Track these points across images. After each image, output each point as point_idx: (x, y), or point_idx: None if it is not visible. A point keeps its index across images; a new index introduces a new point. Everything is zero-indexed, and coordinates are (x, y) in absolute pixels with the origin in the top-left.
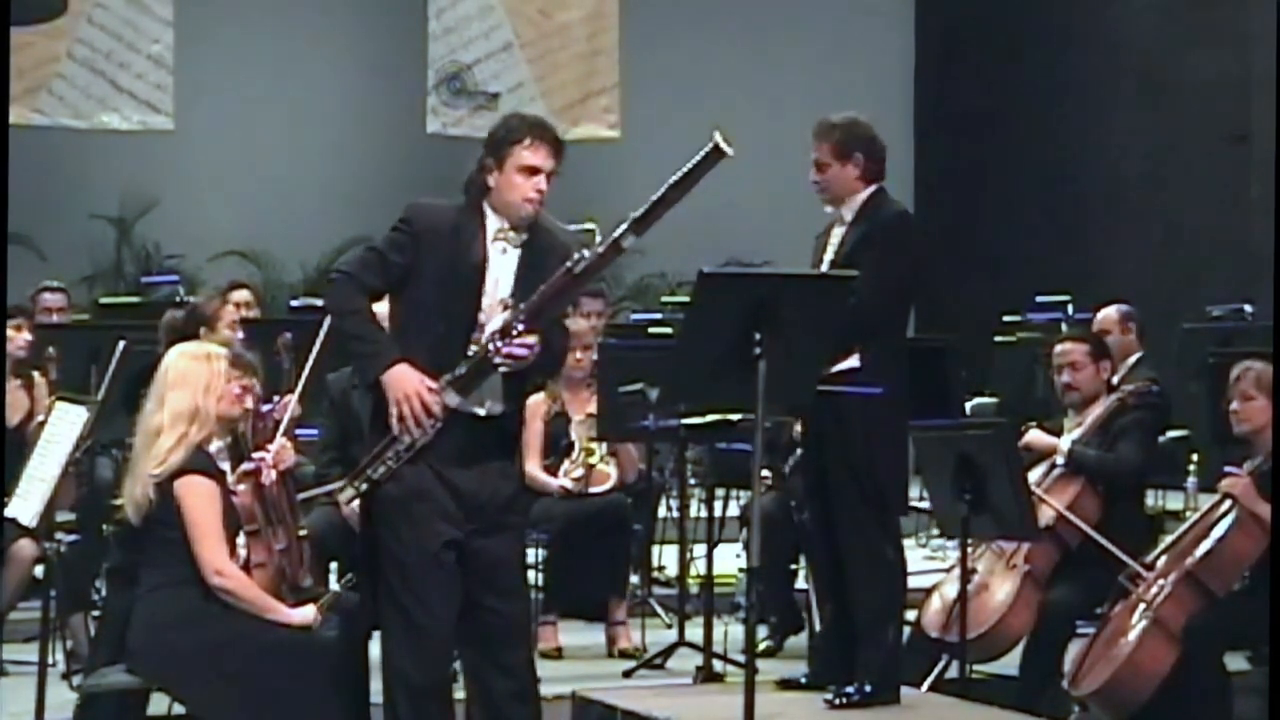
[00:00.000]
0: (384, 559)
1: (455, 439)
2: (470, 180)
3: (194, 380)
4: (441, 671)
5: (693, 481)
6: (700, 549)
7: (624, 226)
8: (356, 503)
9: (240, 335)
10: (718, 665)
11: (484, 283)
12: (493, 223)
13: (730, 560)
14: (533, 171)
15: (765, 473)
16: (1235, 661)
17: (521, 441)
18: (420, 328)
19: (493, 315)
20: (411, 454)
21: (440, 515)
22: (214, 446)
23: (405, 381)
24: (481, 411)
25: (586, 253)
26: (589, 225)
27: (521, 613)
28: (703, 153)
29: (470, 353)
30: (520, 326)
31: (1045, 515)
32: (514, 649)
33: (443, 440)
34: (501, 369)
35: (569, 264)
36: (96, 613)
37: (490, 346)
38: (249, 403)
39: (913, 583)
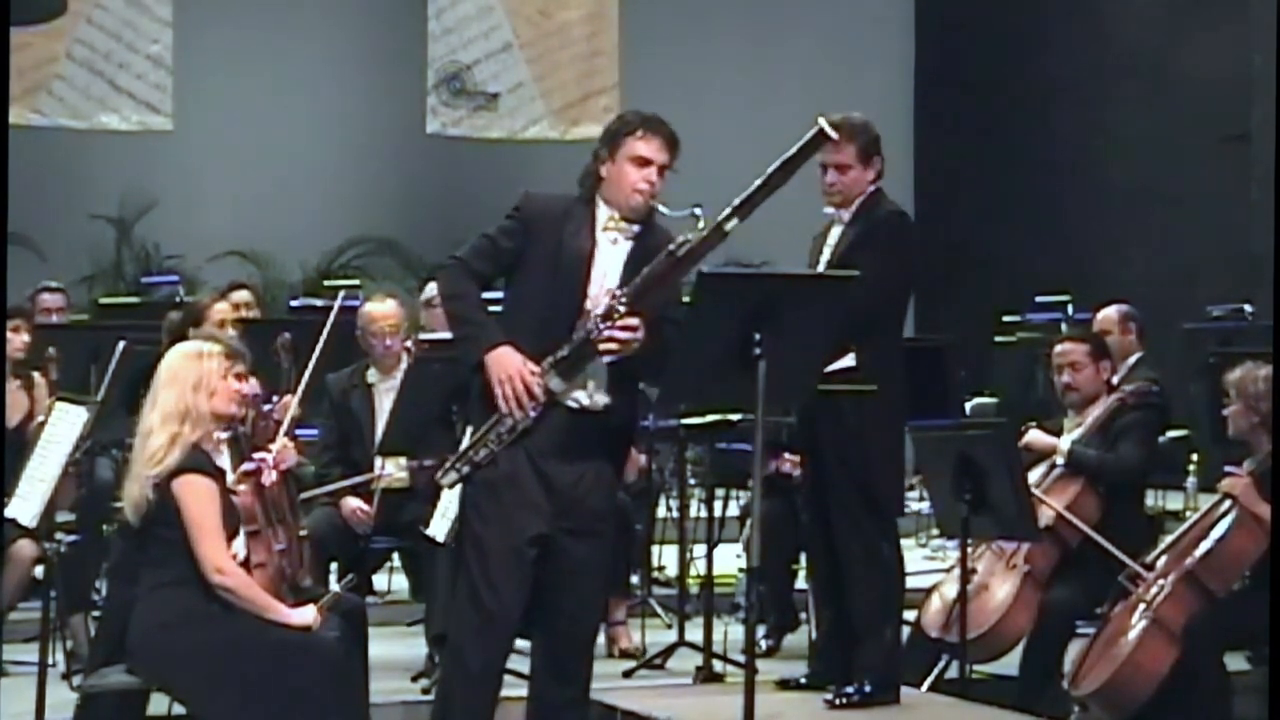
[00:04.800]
0: (466, 540)
1: (554, 430)
2: (585, 173)
3: (183, 378)
4: (498, 660)
5: (692, 481)
6: (700, 549)
7: (727, 211)
8: (359, 504)
9: (232, 334)
10: (718, 665)
11: (591, 271)
12: (603, 213)
13: (730, 560)
14: (644, 162)
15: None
16: (1235, 661)
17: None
18: (526, 313)
19: (599, 304)
20: (514, 437)
21: (529, 506)
22: (213, 445)
23: (508, 362)
24: (585, 400)
25: (690, 236)
26: (695, 209)
27: (593, 624)
28: (807, 136)
29: (573, 336)
30: (622, 309)
31: (1045, 515)
32: (576, 657)
33: (541, 430)
34: (605, 354)
35: (671, 247)
36: (96, 613)
37: (593, 329)
38: (245, 389)
39: (913, 583)
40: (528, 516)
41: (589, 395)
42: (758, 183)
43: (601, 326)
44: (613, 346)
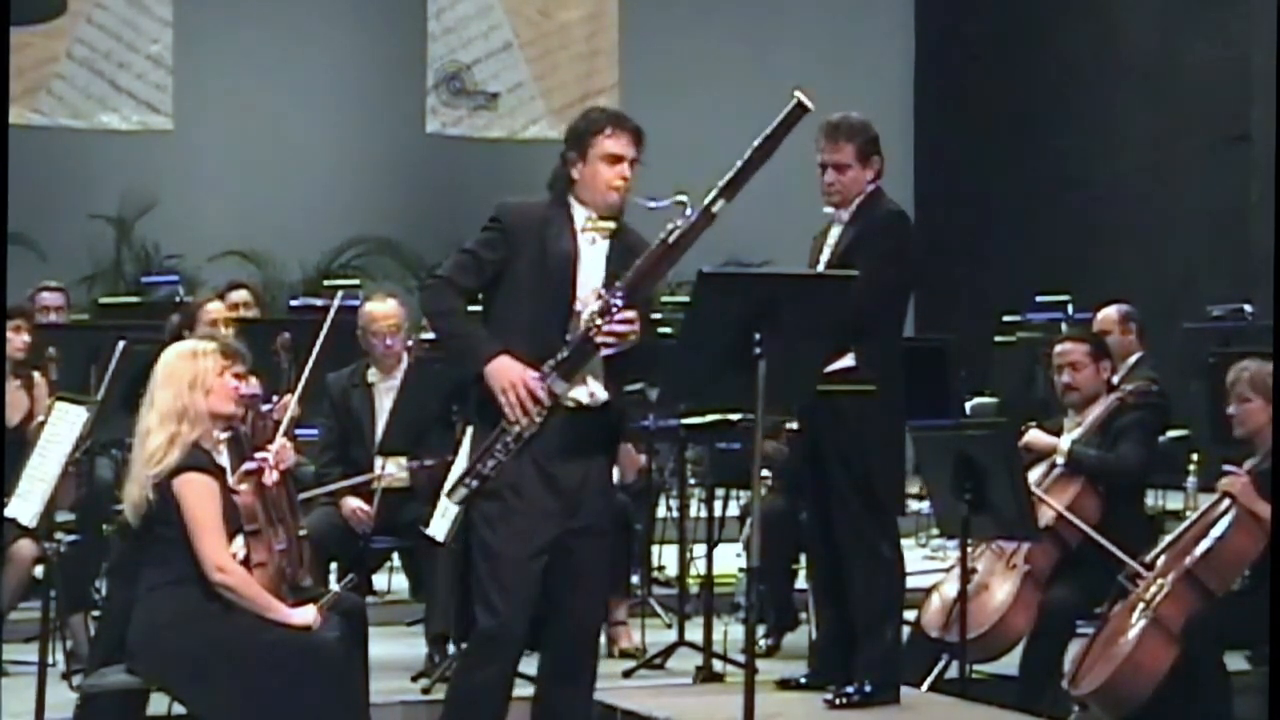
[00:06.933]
0: (475, 548)
1: (556, 431)
2: (554, 176)
3: (179, 377)
4: (510, 667)
5: (692, 481)
6: (700, 549)
7: (714, 193)
8: (359, 504)
9: (227, 333)
10: (718, 665)
11: (576, 273)
12: (579, 214)
13: (730, 560)
14: (616, 159)
15: (765, 472)
16: (1235, 661)
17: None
18: (516, 320)
19: (588, 305)
20: (521, 445)
21: (539, 513)
22: (213, 444)
23: (509, 371)
24: (585, 398)
25: (680, 222)
26: (680, 196)
27: (597, 622)
28: (785, 111)
29: (569, 338)
30: (619, 303)
31: (1045, 515)
32: (582, 656)
33: (544, 432)
34: (604, 349)
35: (663, 234)
36: (96, 613)
37: (591, 326)
38: (244, 389)
39: (913, 583)
40: (538, 523)
41: (589, 393)
42: (740, 163)
43: (599, 322)
44: (611, 340)
